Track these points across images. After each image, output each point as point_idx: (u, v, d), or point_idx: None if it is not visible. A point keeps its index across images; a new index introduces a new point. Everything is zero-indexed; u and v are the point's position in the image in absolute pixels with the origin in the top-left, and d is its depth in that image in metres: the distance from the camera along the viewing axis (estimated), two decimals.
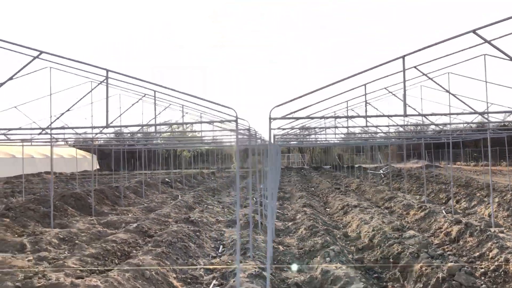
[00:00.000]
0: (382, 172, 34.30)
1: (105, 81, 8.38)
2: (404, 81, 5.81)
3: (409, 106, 11.36)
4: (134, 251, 9.34)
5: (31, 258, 8.19)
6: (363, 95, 9.80)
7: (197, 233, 10.10)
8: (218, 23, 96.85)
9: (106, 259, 8.42)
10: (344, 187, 23.22)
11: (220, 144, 23.10)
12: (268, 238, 5.82)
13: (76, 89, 13.19)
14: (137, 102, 11.23)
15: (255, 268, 7.30)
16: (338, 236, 10.51)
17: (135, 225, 11.15)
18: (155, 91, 8.29)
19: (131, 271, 6.49)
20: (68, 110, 8.96)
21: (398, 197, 16.28)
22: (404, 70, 5.83)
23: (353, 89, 7.79)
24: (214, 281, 7.28)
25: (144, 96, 10.80)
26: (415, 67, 7.72)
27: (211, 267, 7.89)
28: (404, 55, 5.84)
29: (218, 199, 16.98)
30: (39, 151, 43.35)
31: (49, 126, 8.26)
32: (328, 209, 16.08)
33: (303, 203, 15.28)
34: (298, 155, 62.04)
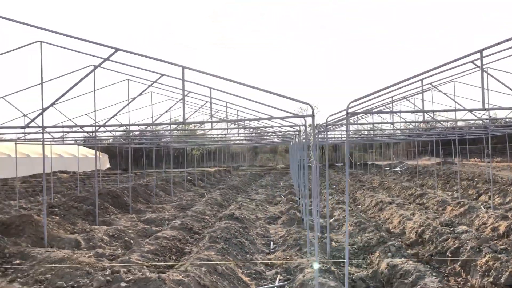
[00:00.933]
0: (399, 169, 34.28)
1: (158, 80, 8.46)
2: (482, 75, 5.83)
3: (452, 98, 11.34)
4: (187, 247, 9.43)
5: (91, 254, 8.27)
6: (407, 91, 9.85)
7: (245, 230, 10.16)
8: (218, 23, 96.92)
9: (165, 255, 8.51)
10: (368, 184, 23.22)
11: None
12: (346, 236, 5.86)
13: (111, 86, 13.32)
14: (179, 101, 11.30)
15: (321, 263, 7.37)
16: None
17: (179, 222, 11.23)
18: (210, 88, 8.33)
19: (205, 266, 6.55)
20: (120, 111, 9.03)
21: (429, 194, 16.28)
22: (482, 62, 5.85)
23: (410, 84, 7.85)
24: (279, 276, 7.33)
25: (188, 93, 10.85)
26: (472, 61, 7.74)
27: (280, 261, 7.92)
28: (482, 49, 5.86)
29: (248, 197, 17.03)
30: (52, 150, 43.52)
31: (106, 124, 8.34)
32: (359, 206, 16.10)
33: (336, 200, 15.31)
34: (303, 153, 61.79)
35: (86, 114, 14.34)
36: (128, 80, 13.25)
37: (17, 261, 7.73)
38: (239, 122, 10.61)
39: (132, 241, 9.95)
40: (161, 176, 31.23)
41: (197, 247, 8.98)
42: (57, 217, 10.40)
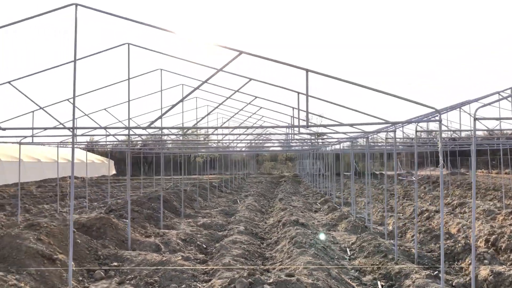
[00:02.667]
0: (414, 178, 34.49)
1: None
2: None
3: None
4: (266, 252, 9.42)
5: (179, 258, 8.23)
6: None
7: (316, 236, 10.16)
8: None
9: (252, 259, 8.49)
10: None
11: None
12: (472, 237, 5.89)
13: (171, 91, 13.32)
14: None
15: (420, 269, 7.42)
16: None
17: (242, 228, 11.24)
18: (299, 93, 8.37)
19: (319, 270, 6.55)
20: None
21: (469, 203, 16.37)
22: None
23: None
24: (379, 282, 7.34)
25: (255, 98, 10.89)
26: None
27: (372, 267, 7.89)
28: None
29: (289, 204, 17.02)
30: (61, 155, 43.30)
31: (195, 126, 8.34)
32: (401, 215, 16.14)
33: (381, 208, 15.35)
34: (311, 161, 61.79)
35: (131, 118, 14.35)
36: (182, 85, 13.34)
37: (115, 263, 7.67)
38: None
39: (204, 246, 9.92)
40: (175, 182, 31.06)
41: (279, 252, 8.98)
42: (127, 221, 10.34)
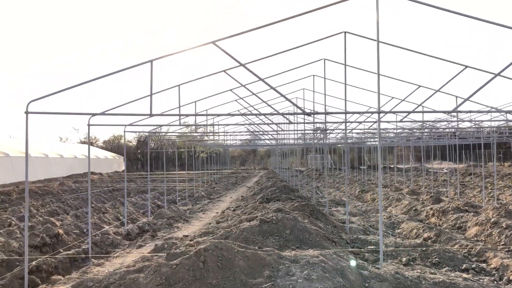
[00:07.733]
0: (446, 171, 35.39)
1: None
2: None
3: None
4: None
5: (419, 241, 8.35)
6: None
7: None
8: None
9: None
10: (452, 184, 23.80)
11: None
12: None
13: None
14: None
15: None
16: None
17: (402, 214, 11.41)
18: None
19: None
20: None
21: None
22: None
23: None
24: None
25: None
26: None
27: None
28: None
29: (386, 193, 17.30)
30: (82, 152, 43.07)
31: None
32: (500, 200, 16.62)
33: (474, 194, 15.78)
34: (316, 156, 62.20)
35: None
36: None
37: (370, 247, 7.75)
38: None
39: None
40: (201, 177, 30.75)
41: (486, 236, 9.23)
42: None
